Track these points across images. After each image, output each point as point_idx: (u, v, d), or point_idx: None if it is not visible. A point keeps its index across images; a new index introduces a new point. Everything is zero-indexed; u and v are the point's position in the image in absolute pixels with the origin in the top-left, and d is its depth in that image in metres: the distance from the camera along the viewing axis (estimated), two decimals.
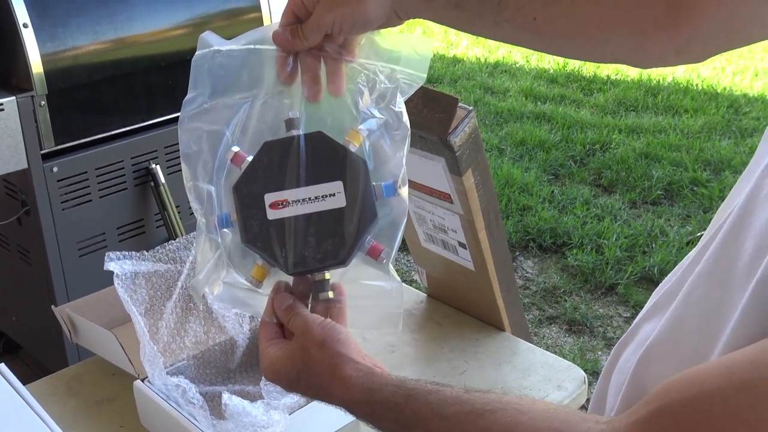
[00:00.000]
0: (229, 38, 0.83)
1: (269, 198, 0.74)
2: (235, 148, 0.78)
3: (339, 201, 0.74)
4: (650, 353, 0.67)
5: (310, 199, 0.74)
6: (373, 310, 0.79)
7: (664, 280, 0.74)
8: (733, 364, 0.51)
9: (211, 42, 0.82)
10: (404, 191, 0.77)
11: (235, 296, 0.78)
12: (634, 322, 0.74)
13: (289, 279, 0.78)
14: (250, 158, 0.77)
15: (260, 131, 0.79)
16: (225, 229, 0.77)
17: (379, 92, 0.81)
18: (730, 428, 0.49)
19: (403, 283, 1.53)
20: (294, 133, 0.77)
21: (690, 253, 0.70)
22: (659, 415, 0.53)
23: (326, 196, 0.74)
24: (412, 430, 0.67)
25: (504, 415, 0.61)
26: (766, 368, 0.49)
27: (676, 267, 0.73)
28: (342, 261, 0.74)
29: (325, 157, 0.76)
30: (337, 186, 0.74)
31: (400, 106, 0.80)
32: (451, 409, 0.65)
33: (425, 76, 0.83)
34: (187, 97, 0.80)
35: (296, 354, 0.72)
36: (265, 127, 0.80)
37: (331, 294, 0.76)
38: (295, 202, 0.74)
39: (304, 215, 0.74)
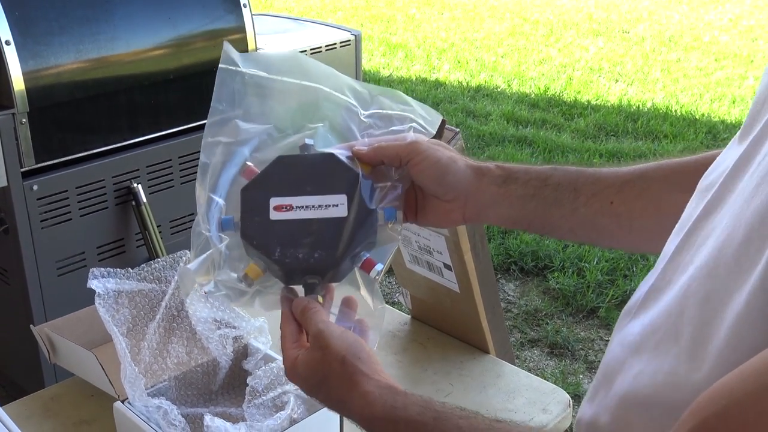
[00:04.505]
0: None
1: (274, 201, 0.78)
2: (249, 163, 0.82)
3: (341, 211, 0.78)
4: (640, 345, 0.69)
5: (313, 206, 0.78)
6: None
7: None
8: (757, 368, 0.51)
9: (234, 58, 0.85)
10: (400, 215, 0.81)
11: (225, 293, 0.80)
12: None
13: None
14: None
15: (272, 156, 0.82)
16: (225, 232, 0.79)
17: (391, 132, 0.87)
18: (765, 429, 0.49)
19: (387, 305, 1.53)
20: (309, 148, 0.81)
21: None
22: None
23: (329, 206, 0.78)
24: None
25: None
26: None
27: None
28: (335, 263, 0.76)
29: (334, 174, 0.79)
30: (341, 198, 0.78)
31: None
32: None
33: (434, 132, 0.89)
34: (212, 108, 0.84)
35: (317, 366, 0.73)
36: (278, 152, 0.83)
37: (320, 299, 0.78)
38: (299, 207, 0.78)
39: (305, 219, 0.77)
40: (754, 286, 0.55)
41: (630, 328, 0.71)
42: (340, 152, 0.82)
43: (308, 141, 0.82)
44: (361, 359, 0.71)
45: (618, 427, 0.70)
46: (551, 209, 0.83)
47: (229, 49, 0.85)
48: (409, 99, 0.89)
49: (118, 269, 1.15)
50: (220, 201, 0.80)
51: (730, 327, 0.57)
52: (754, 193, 0.58)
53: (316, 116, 0.86)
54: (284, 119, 0.85)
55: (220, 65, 0.84)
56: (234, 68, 0.84)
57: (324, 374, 0.72)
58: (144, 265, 1.18)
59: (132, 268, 1.17)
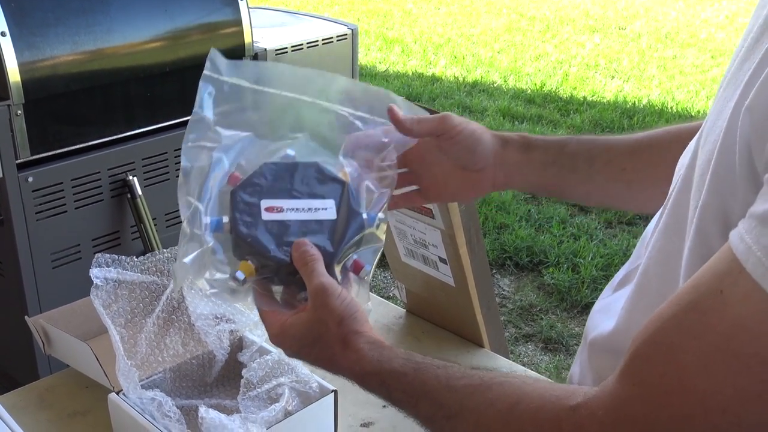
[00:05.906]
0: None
1: (265, 203, 0.80)
2: (234, 171, 0.84)
3: (330, 214, 0.81)
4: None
5: (303, 209, 0.81)
6: None
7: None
8: (679, 293, 0.55)
9: (218, 65, 0.86)
10: (383, 222, 0.84)
11: (218, 291, 0.81)
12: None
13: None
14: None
15: (256, 164, 0.84)
16: (214, 234, 0.80)
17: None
18: (685, 347, 0.53)
19: (382, 299, 1.53)
20: (291, 159, 0.84)
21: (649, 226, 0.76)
22: (633, 361, 0.57)
23: (318, 209, 0.81)
24: (421, 400, 0.71)
25: (511, 387, 0.66)
26: (705, 286, 0.53)
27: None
28: (329, 261, 0.78)
29: (321, 181, 0.83)
30: (329, 203, 0.82)
31: (391, 160, 0.88)
32: (459, 382, 0.68)
33: (417, 140, 0.91)
34: (193, 115, 0.84)
35: (314, 325, 0.75)
36: (261, 160, 0.85)
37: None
38: (289, 210, 0.81)
39: (297, 220, 0.80)
40: (693, 230, 0.60)
41: (609, 298, 0.77)
42: (324, 161, 0.85)
43: (290, 152, 0.85)
44: (357, 319, 0.75)
45: (588, 375, 0.76)
46: (569, 175, 0.88)
47: (215, 55, 0.86)
48: (398, 99, 0.90)
49: (124, 256, 1.15)
50: (204, 206, 0.81)
51: (683, 275, 0.62)
52: (697, 153, 0.63)
53: (297, 125, 0.88)
54: (265, 128, 0.87)
55: (204, 71, 0.85)
56: (216, 76, 0.85)
57: (319, 333, 0.75)
58: (149, 255, 1.18)
59: (137, 257, 1.17)
